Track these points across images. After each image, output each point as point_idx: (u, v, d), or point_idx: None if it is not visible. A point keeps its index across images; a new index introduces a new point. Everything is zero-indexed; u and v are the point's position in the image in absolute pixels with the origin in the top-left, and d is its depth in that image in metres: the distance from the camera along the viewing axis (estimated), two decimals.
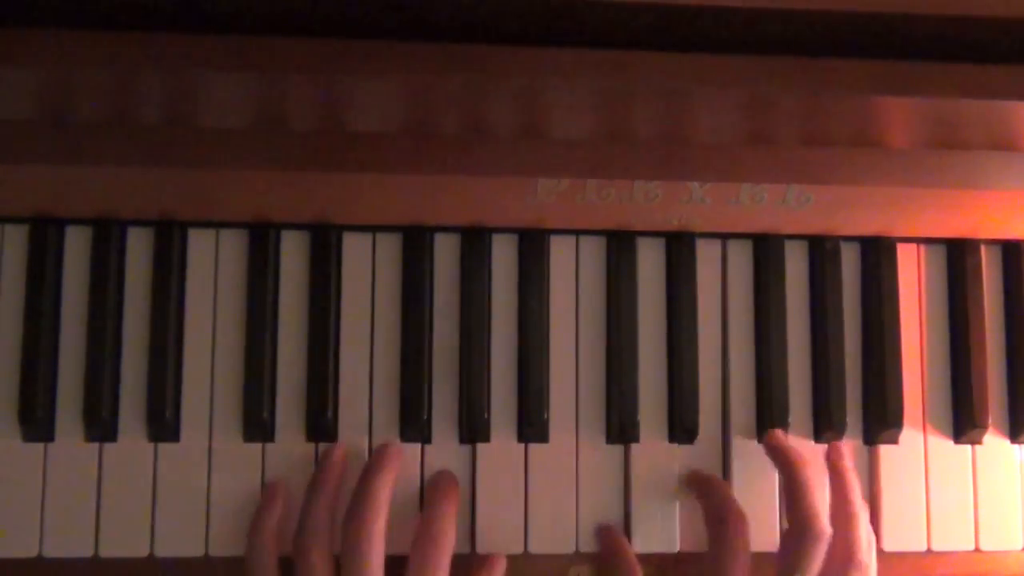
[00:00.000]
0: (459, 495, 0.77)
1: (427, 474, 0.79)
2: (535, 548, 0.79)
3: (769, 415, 0.81)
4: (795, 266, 0.83)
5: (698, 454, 0.81)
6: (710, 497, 0.78)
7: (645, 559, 0.79)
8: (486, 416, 0.79)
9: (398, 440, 0.79)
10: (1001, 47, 0.65)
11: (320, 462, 0.77)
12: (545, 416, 0.79)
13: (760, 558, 0.77)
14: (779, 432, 0.81)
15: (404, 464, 0.78)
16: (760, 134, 0.73)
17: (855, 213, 0.80)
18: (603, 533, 0.79)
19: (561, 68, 0.65)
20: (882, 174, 0.76)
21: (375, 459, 0.76)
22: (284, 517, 0.76)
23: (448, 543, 0.74)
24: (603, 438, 0.80)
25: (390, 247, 0.81)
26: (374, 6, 0.63)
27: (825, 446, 0.82)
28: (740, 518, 0.76)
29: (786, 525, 0.77)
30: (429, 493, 0.77)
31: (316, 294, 0.79)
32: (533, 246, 0.81)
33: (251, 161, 0.72)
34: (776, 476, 0.81)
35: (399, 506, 0.77)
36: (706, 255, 0.83)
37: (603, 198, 0.76)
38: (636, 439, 0.80)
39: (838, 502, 0.78)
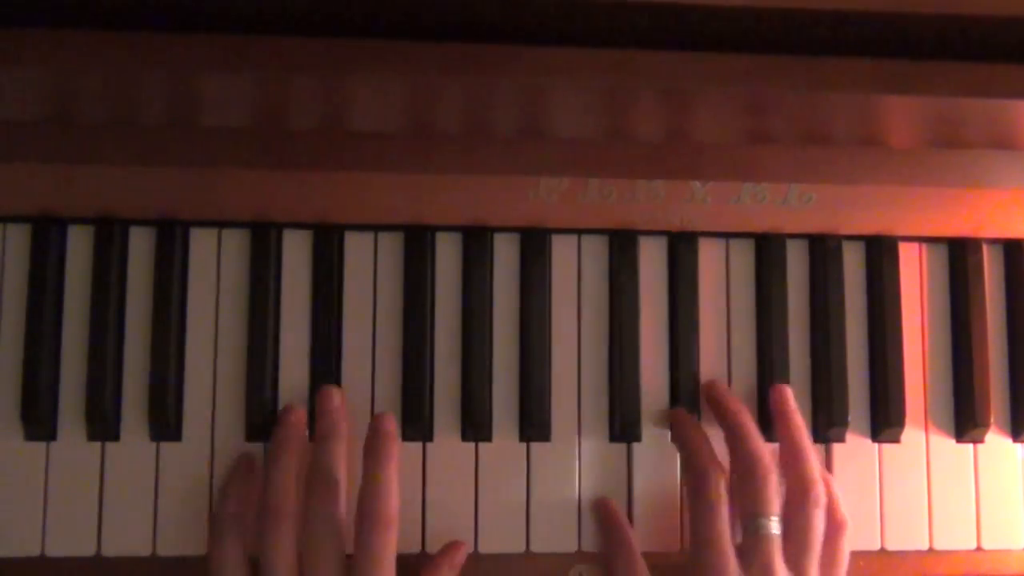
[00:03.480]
0: (395, 455, 0.75)
1: (428, 474, 0.79)
2: (537, 547, 0.79)
3: (771, 414, 0.81)
4: (797, 265, 0.83)
5: None
6: (688, 449, 0.78)
7: (647, 558, 0.79)
8: (488, 415, 0.79)
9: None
10: (1001, 46, 0.65)
11: (278, 422, 0.77)
12: (547, 415, 0.79)
13: None
14: (717, 382, 0.81)
15: (406, 465, 0.78)
16: (761, 133, 0.73)
17: (857, 212, 0.80)
18: (600, 505, 0.79)
19: (562, 67, 0.65)
20: (883, 173, 0.76)
21: (378, 433, 0.75)
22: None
23: (388, 517, 0.72)
24: (605, 437, 0.80)
25: (392, 246, 0.81)
26: (375, 6, 0.63)
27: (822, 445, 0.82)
28: (718, 473, 0.75)
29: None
30: (364, 459, 0.75)
31: (318, 293, 0.79)
32: (535, 245, 0.81)
33: (252, 160, 0.72)
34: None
35: (401, 507, 0.77)
36: (708, 254, 0.83)
37: (605, 197, 0.76)
38: (638, 438, 0.80)
39: (785, 444, 0.79)
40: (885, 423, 0.82)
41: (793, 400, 0.80)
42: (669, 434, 0.81)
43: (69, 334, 0.78)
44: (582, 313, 0.82)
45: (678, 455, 0.80)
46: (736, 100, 0.68)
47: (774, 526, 0.74)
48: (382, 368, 0.79)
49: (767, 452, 0.76)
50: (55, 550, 0.76)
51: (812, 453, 0.78)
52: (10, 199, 0.75)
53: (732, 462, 0.77)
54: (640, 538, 0.79)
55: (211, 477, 0.77)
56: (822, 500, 0.76)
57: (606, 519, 0.79)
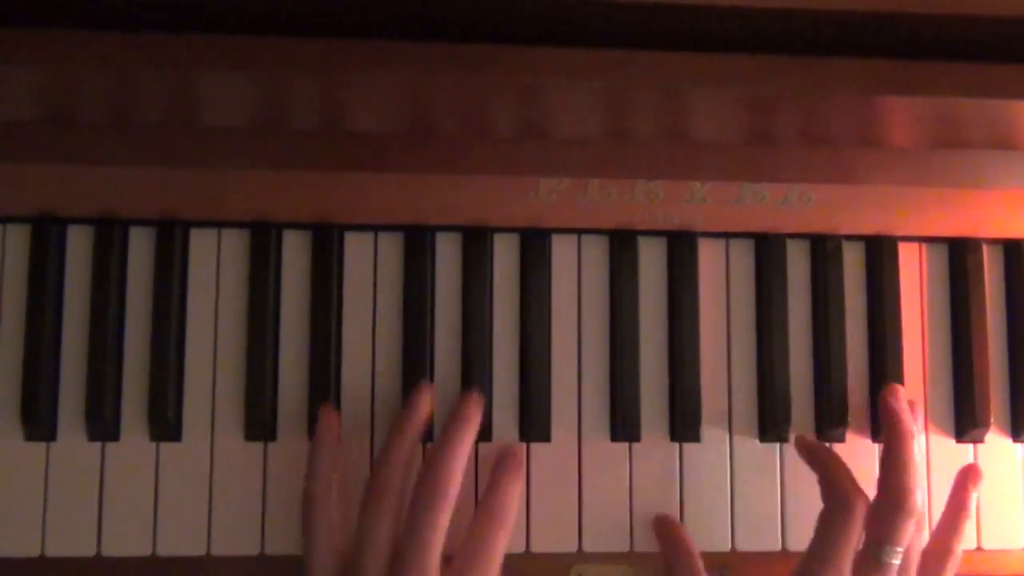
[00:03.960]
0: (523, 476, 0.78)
1: None
2: (537, 547, 0.79)
3: (771, 414, 0.81)
4: (797, 265, 0.83)
5: (700, 453, 0.81)
6: (832, 474, 0.76)
7: (648, 558, 0.79)
8: (488, 415, 0.79)
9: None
10: (1001, 46, 0.65)
11: (407, 404, 0.77)
12: (547, 415, 0.79)
13: (763, 558, 0.79)
14: (899, 391, 0.80)
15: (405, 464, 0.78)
16: (761, 133, 0.73)
17: (857, 212, 0.80)
18: (659, 522, 0.80)
19: (562, 67, 0.65)
20: (883, 173, 0.76)
21: (458, 415, 0.76)
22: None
23: (509, 522, 0.74)
24: (605, 437, 0.80)
25: (392, 246, 0.81)
26: (374, 6, 0.63)
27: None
28: (863, 504, 0.74)
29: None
30: (495, 469, 0.76)
31: (318, 294, 0.79)
32: (535, 245, 0.81)
33: (252, 161, 0.72)
34: (777, 476, 0.81)
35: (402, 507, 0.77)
36: (708, 254, 0.83)
37: (604, 197, 0.76)
38: (638, 438, 0.80)
39: (888, 446, 0.77)
40: None
41: (903, 401, 0.80)
42: (669, 434, 0.81)
43: (69, 334, 0.78)
44: (582, 313, 0.82)
45: (677, 457, 0.81)
46: (736, 100, 0.68)
47: (897, 557, 0.73)
48: (382, 368, 0.79)
49: (915, 488, 0.74)
50: (55, 550, 0.76)
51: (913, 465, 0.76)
52: (10, 199, 0.75)
53: (880, 480, 0.76)
54: (640, 539, 0.80)
55: (211, 477, 0.77)
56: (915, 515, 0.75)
57: (668, 535, 0.79)
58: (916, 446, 0.77)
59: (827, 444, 0.81)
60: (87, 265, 0.78)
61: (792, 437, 0.81)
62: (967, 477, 0.81)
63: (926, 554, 0.78)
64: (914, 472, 0.75)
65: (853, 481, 0.75)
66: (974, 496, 0.80)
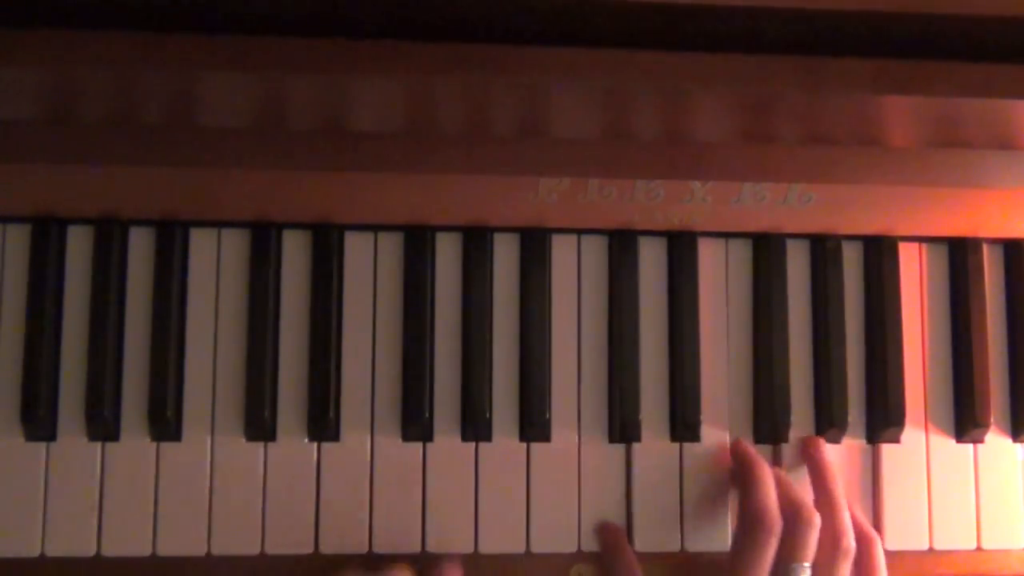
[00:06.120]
0: None
1: (429, 474, 0.79)
2: (537, 547, 0.79)
3: (770, 414, 0.81)
4: (796, 265, 0.83)
5: (700, 453, 0.81)
6: (751, 490, 0.76)
7: (647, 558, 0.79)
8: (488, 415, 0.79)
9: (400, 444, 0.79)
10: (1001, 46, 0.65)
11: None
12: (547, 415, 0.79)
13: None
14: (821, 442, 0.81)
15: (406, 465, 0.78)
16: (761, 133, 0.73)
17: (856, 212, 0.80)
18: (603, 530, 0.79)
19: (562, 67, 0.65)
20: (883, 173, 0.76)
21: None
22: None
23: None
24: (605, 437, 0.80)
25: (392, 246, 0.81)
26: (375, 6, 0.63)
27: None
28: (777, 525, 0.74)
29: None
30: None
31: (318, 293, 0.79)
32: (535, 245, 0.81)
33: (252, 161, 0.72)
34: None
35: (399, 508, 0.77)
36: (708, 254, 0.83)
37: (604, 197, 0.76)
38: (638, 438, 0.80)
39: (819, 492, 0.79)
40: (885, 423, 0.82)
41: (827, 451, 0.81)
42: (669, 434, 0.81)
43: (69, 334, 0.78)
44: (582, 313, 0.82)
45: (678, 457, 0.81)
46: (735, 100, 0.68)
47: (806, 573, 0.74)
48: (382, 368, 0.79)
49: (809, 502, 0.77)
50: (55, 550, 0.76)
51: (844, 504, 0.78)
52: (10, 199, 0.75)
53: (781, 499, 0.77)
54: (639, 539, 0.80)
55: (211, 477, 0.77)
56: (851, 552, 0.76)
57: (609, 542, 0.79)
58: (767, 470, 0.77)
59: (762, 456, 0.81)
60: (87, 265, 0.78)
61: (791, 437, 0.82)
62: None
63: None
64: (846, 511, 0.78)
65: (770, 503, 0.75)
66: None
